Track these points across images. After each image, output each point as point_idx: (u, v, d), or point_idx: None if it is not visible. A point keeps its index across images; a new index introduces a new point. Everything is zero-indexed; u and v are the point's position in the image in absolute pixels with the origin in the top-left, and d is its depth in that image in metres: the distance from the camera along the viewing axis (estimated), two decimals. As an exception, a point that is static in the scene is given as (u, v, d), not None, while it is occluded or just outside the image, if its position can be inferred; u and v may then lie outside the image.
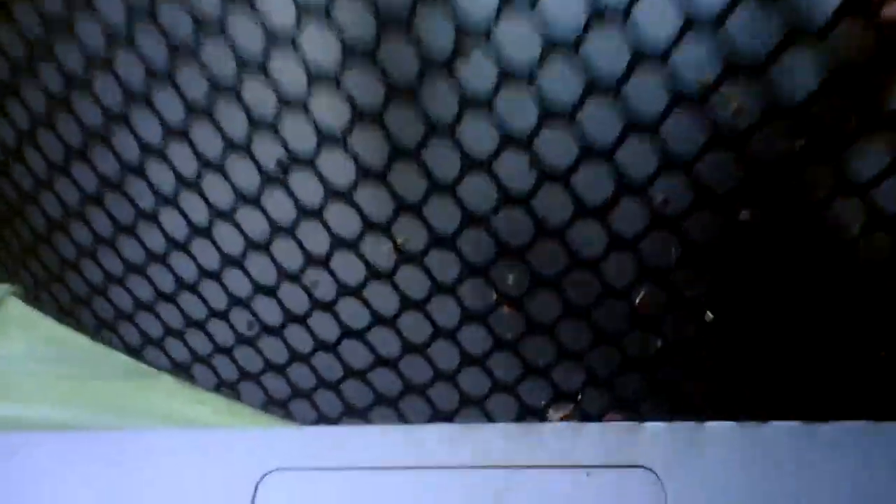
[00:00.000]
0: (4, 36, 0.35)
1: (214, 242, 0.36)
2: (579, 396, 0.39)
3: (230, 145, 0.33)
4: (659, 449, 0.38)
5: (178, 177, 0.35)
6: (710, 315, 0.36)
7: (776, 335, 0.39)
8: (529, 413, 0.40)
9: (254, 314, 0.42)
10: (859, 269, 0.30)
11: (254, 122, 0.32)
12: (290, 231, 0.35)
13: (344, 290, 0.37)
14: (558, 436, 0.39)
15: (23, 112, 0.39)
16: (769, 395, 0.40)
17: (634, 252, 0.31)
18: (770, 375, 0.40)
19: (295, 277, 0.37)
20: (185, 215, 0.38)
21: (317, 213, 0.34)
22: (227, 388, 0.49)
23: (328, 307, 0.39)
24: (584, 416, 0.40)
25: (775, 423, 0.39)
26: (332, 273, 0.36)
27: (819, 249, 0.28)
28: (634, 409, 0.39)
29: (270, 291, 0.39)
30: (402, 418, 0.43)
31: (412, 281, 0.36)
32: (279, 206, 0.34)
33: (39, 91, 0.37)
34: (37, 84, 0.37)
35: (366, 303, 0.38)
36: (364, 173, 0.30)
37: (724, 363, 0.39)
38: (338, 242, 0.34)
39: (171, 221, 0.38)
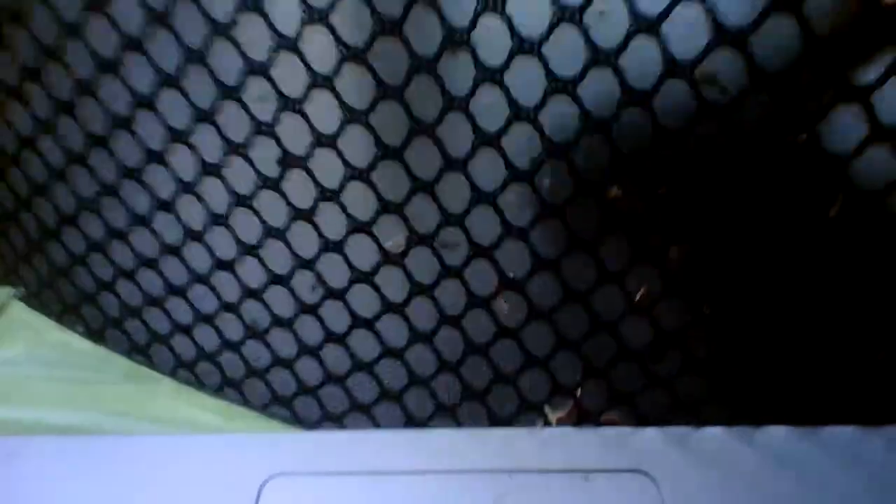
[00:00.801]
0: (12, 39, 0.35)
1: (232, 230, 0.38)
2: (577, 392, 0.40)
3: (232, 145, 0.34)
4: (655, 453, 0.38)
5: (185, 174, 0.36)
6: (707, 310, 0.36)
7: (772, 338, 0.40)
8: (529, 409, 0.41)
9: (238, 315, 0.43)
10: (849, 275, 0.30)
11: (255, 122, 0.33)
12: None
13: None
14: (557, 440, 0.40)
15: (24, 115, 0.39)
16: (764, 399, 0.41)
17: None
18: (765, 379, 0.41)
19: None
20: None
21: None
22: (231, 386, 0.49)
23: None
24: (582, 415, 0.41)
25: (769, 428, 0.40)
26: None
27: (814, 256, 0.29)
28: (631, 405, 0.40)
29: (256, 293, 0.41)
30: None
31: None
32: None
33: (42, 93, 0.37)
34: (39, 86, 0.37)
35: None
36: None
37: (720, 364, 0.40)
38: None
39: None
